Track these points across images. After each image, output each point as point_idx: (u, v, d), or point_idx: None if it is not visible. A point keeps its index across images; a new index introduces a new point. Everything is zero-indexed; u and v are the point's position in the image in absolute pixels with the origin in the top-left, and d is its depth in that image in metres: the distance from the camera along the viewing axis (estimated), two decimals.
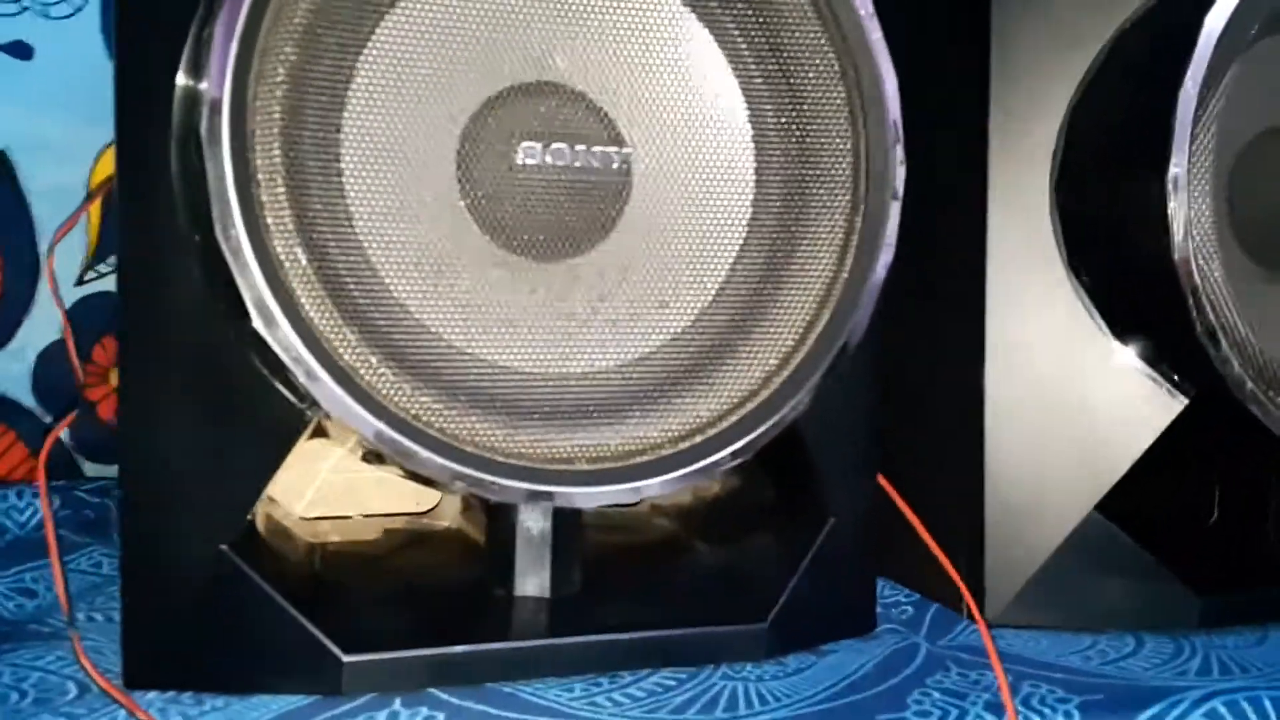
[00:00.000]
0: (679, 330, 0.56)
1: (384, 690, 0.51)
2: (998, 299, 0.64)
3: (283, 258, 0.47)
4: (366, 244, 0.51)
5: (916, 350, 0.69)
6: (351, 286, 0.50)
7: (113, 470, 0.91)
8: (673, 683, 0.54)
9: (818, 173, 0.55)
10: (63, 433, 0.91)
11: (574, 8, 0.53)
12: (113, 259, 0.91)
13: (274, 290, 0.46)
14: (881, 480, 0.64)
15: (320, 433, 0.55)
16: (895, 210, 0.54)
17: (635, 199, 0.55)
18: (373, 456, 0.55)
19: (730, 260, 0.56)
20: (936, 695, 0.54)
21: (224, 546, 0.51)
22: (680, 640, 0.55)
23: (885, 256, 0.54)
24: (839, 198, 0.55)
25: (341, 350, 0.48)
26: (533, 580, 0.56)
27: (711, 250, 0.56)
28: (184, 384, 0.50)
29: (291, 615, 0.51)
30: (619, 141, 0.55)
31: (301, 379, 0.47)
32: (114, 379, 0.91)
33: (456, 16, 0.51)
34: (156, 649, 0.51)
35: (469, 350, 0.53)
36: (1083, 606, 0.65)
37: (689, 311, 0.56)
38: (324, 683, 0.50)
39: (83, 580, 0.68)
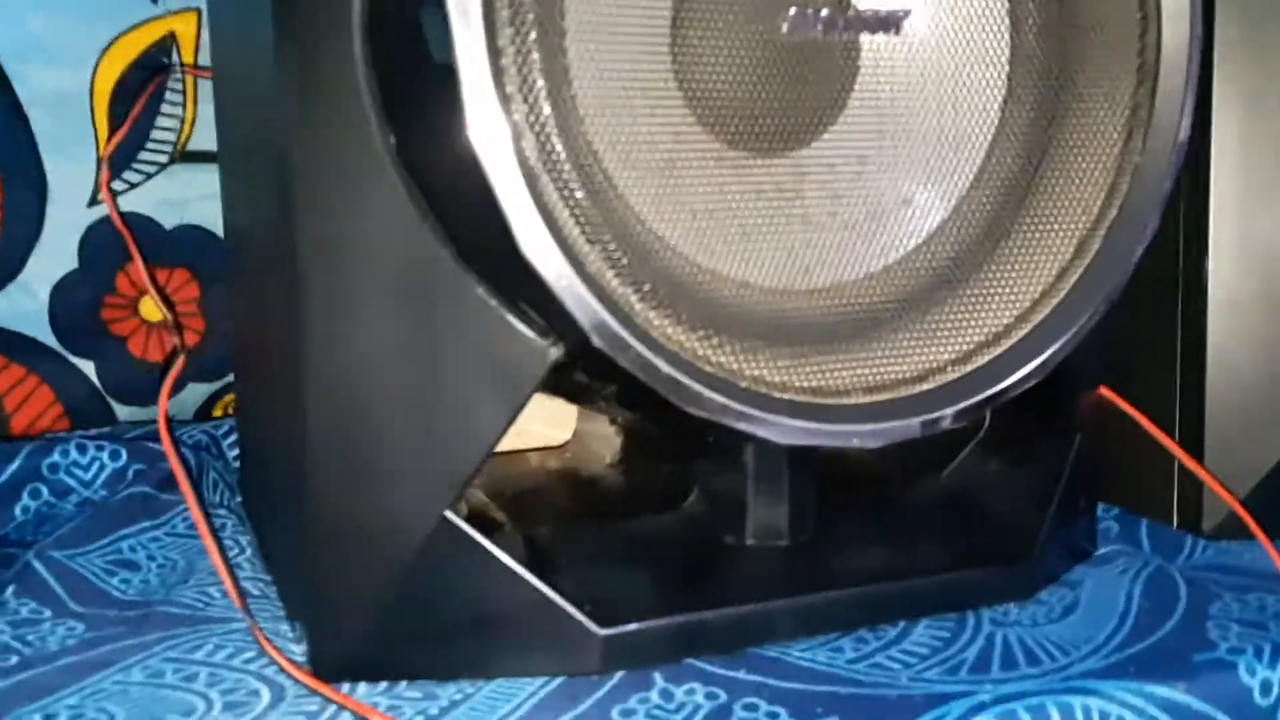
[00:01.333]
0: (931, 229, 0.48)
1: (640, 665, 0.44)
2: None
3: (536, 165, 0.38)
4: (597, 144, 0.42)
5: None
6: (597, 203, 0.41)
7: (148, 413, 0.81)
8: (945, 634, 0.48)
9: (1089, 40, 0.47)
10: (90, 373, 0.80)
11: None
12: (130, 174, 0.79)
13: (538, 203, 0.37)
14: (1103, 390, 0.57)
15: None
16: (1192, 81, 0.46)
17: (865, 73, 0.47)
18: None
19: (985, 142, 0.48)
20: (1236, 628, 0.48)
21: (448, 513, 0.42)
22: (939, 587, 0.49)
23: (1183, 134, 0.46)
24: (1119, 64, 0.47)
25: (612, 278, 0.39)
26: (768, 525, 0.49)
27: (961, 131, 0.48)
28: (388, 322, 0.41)
29: (533, 588, 0.43)
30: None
31: (573, 309, 0.38)
32: (145, 310, 0.81)
33: None
34: (366, 635, 0.43)
35: (713, 268, 0.44)
36: None
37: (939, 208, 0.48)
38: (578, 661, 0.43)
39: (187, 547, 0.58)
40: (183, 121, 0.81)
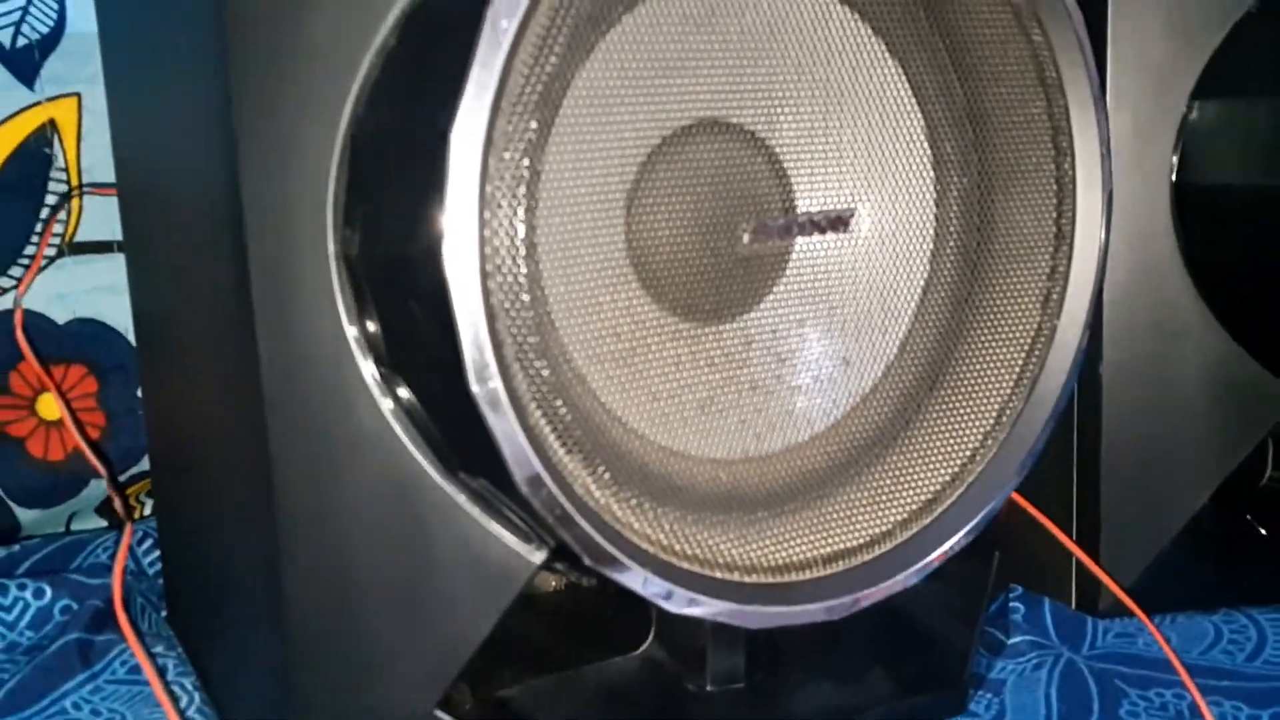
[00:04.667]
0: (869, 388, 0.51)
1: None
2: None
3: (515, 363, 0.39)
4: (564, 335, 0.43)
5: None
6: (566, 399, 0.42)
7: (50, 516, 0.79)
8: None
9: (1009, 210, 0.50)
10: None
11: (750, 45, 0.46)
12: (16, 270, 0.77)
13: (523, 425, 0.39)
14: None
15: None
16: (1102, 243, 0.50)
17: (800, 246, 0.49)
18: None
19: (916, 298, 0.51)
20: None
21: (438, 712, 0.44)
22: (886, 717, 0.52)
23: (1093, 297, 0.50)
24: (1037, 233, 0.50)
25: (593, 487, 0.41)
26: (727, 671, 0.52)
27: (892, 290, 0.51)
28: (372, 525, 0.43)
29: None
30: (784, 180, 0.48)
31: (558, 526, 0.40)
32: (42, 409, 0.79)
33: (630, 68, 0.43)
34: None
35: (672, 446, 0.47)
36: (1189, 591, 0.66)
37: (877, 366, 0.51)
38: None
39: (131, 696, 0.58)
40: (69, 213, 0.79)
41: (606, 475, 0.42)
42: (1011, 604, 0.66)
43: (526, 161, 0.38)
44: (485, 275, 0.37)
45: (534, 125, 0.38)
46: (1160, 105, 0.60)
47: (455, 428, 0.41)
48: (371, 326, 0.41)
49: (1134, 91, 0.60)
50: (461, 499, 0.43)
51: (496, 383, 0.38)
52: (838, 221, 0.46)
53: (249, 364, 0.41)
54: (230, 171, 0.40)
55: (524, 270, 0.38)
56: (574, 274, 0.43)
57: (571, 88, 0.40)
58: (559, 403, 0.40)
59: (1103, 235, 0.50)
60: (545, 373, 0.40)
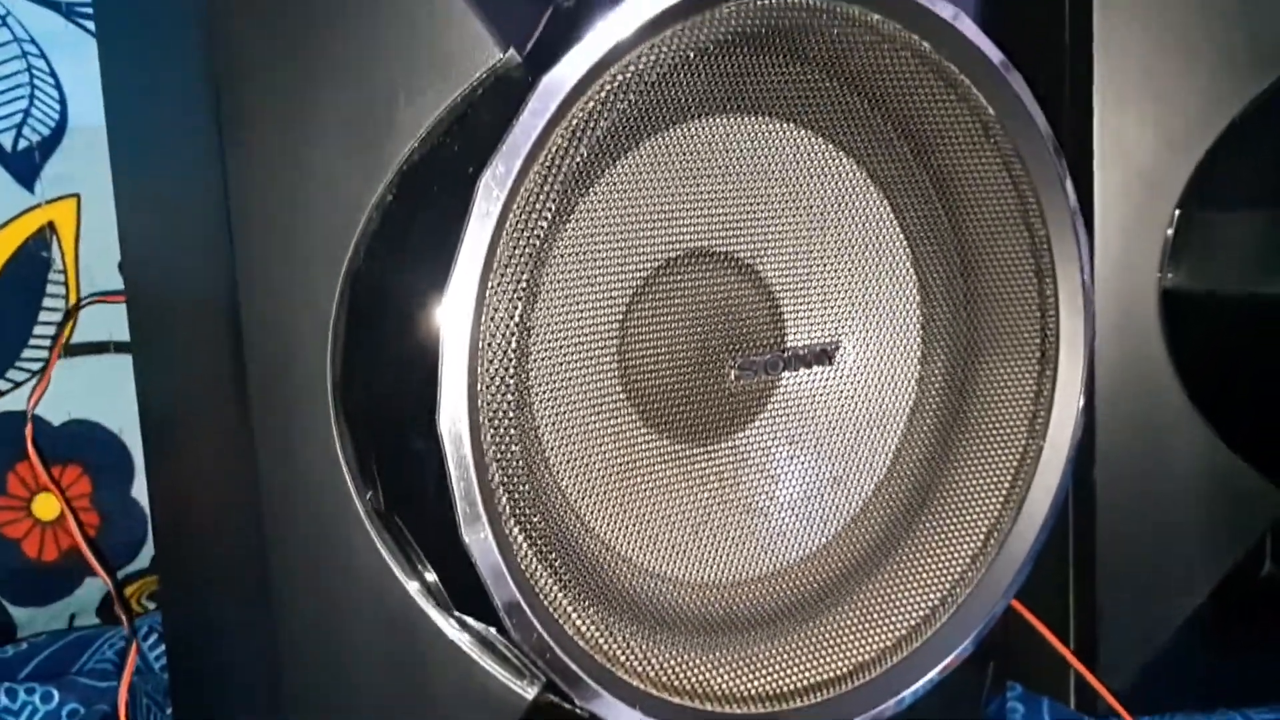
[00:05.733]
0: (859, 507, 0.51)
1: None
2: None
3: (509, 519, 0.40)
4: (558, 472, 0.44)
5: None
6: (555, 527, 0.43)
7: (47, 613, 0.79)
8: None
9: (994, 334, 0.51)
10: None
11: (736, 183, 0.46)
12: (13, 373, 0.77)
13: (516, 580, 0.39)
14: None
15: None
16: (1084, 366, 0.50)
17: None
18: None
19: (905, 416, 0.52)
20: None
21: None
22: None
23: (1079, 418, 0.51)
24: (1022, 356, 0.51)
25: (584, 627, 0.41)
26: None
27: (882, 410, 0.51)
28: (368, 656, 0.43)
29: None
30: (773, 307, 0.49)
31: (547, 668, 0.40)
32: (38, 509, 0.79)
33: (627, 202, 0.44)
34: None
35: (664, 572, 0.47)
36: (1188, 690, 0.66)
37: (867, 483, 0.51)
38: None
39: None
40: (67, 315, 0.79)
41: (597, 615, 0.42)
42: (1010, 704, 0.66)
43: (517, 317, 0.38)
44: (477, 428, 0.37)
45: (523, 282, 0.39)
46: (1148, 212, 0.61)
47: (448, 569, 0.42)
48: (368, 463, 0.41)
49: (1121, 198, 0.61)
50: (456, 634, 0.43)
51: (488, 533, 0.38)
52: (823, 355, 0.47)
53: (250, 490, 0.42)
54: (233, 308, 0.41)
55: (514, 421, 0.39)
56: (568, 413, 0.44)
57: (559, 239, 0.41)
58: (552, 554, 0.41)
59: (1086, 357, 0.50)
60: (537, 519, 0.40)
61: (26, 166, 0.78)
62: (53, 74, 0.78)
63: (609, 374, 0.45)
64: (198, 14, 0.40)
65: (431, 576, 0.43)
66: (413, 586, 0.43)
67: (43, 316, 0.79)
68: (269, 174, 0.40)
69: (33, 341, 0.79)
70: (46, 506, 0.79)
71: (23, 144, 0.78)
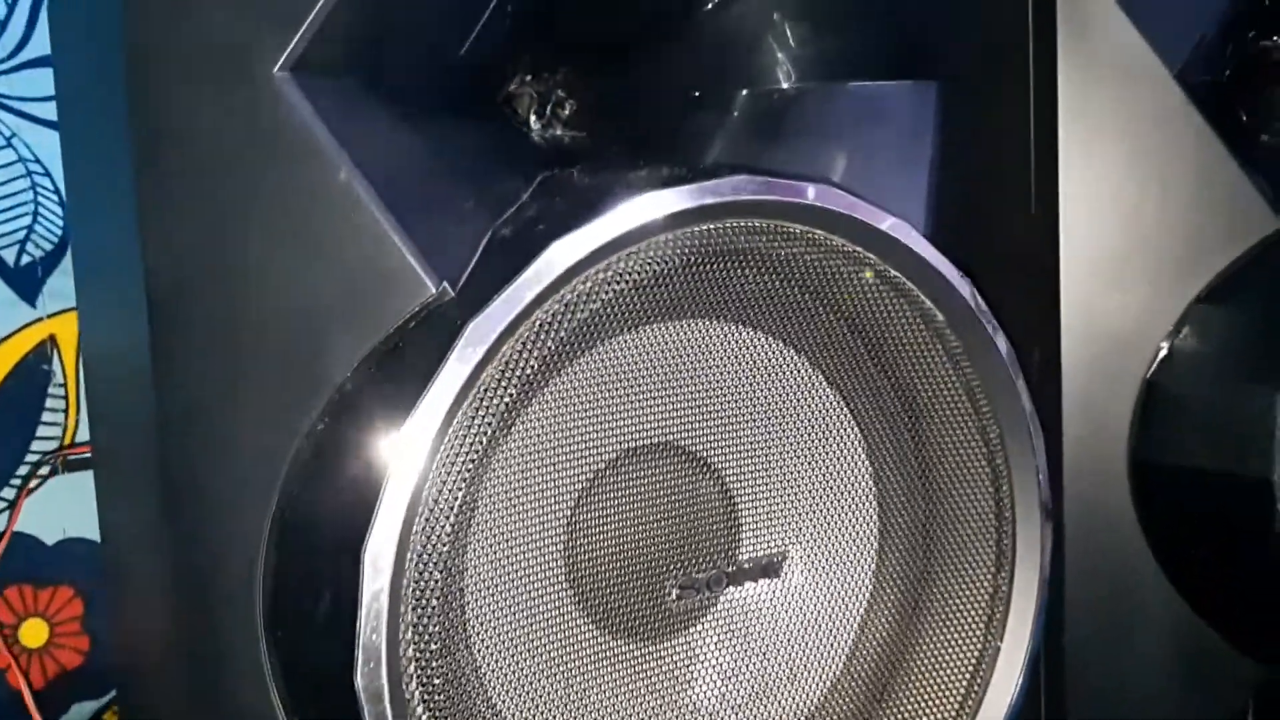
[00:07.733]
0: (813, 707, 0.51)
1: None
2: None
3: None
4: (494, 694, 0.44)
5: None
6: None
7: None
8: None
9: (950, 539, 0.51)
10: None
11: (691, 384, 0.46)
12: (8, 491, 0.78)
13: None
14: None
15: None
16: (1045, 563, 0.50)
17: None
18: None
19: (860, 613, 0.51)
20: None
21: None
22: None
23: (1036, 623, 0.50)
24: (979, 555, 0.50)
25: None
26: None
27: (834, 616, 0.51)
28: None
29: None
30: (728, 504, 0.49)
31: None
32: (26, 637, 0.79)
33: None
34: None
35: None
36: None
37: (824, 680, 0.51)
38: None
39: None
40: (65, 429, 0.80)
41: None
42: None
43: (444, 565, 0.38)
44: (397, 683, 0.37)
45: (449, 523, 0.39)
46: (1118, 383, 0.60)
47: None
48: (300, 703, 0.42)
49: (1088, 366, 0.60)
50: None
51: None
52: (769, 569, 0.47)
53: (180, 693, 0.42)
54: (166, 518, 0.41)
55: (440, 668, 0.39)
56: (507, 635, 0.44)
57: (500, 449, 0.41)
58: None
59: (1045, 556, 0.50)
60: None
61: (29, 281, 0.79)
62: (56, 191, 0.80)
63: (555, 574, 0.45)
64: (130, 232, 0.41)
65: None
66: None
67: (40, 431, 0.80)
68: (201, 394, 0.40)
69: (29, 457, 0.79)
70: (32, 634, 0.79)
71: (25, 259, 0.79)
